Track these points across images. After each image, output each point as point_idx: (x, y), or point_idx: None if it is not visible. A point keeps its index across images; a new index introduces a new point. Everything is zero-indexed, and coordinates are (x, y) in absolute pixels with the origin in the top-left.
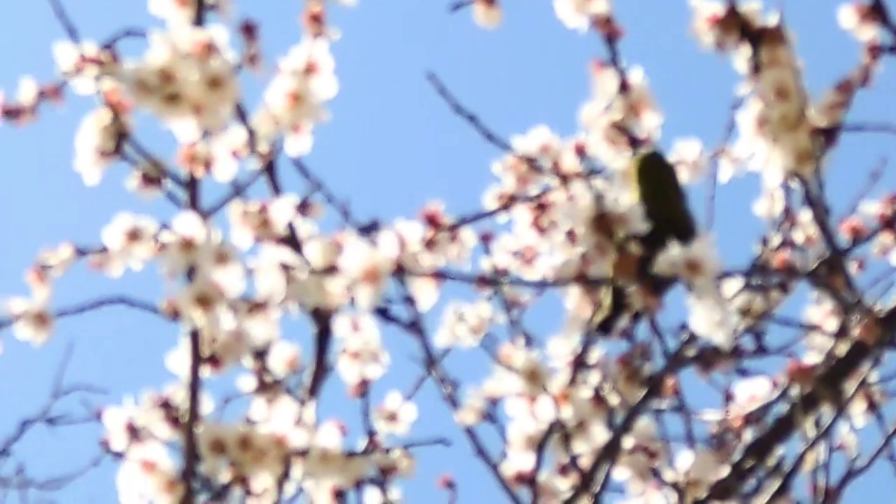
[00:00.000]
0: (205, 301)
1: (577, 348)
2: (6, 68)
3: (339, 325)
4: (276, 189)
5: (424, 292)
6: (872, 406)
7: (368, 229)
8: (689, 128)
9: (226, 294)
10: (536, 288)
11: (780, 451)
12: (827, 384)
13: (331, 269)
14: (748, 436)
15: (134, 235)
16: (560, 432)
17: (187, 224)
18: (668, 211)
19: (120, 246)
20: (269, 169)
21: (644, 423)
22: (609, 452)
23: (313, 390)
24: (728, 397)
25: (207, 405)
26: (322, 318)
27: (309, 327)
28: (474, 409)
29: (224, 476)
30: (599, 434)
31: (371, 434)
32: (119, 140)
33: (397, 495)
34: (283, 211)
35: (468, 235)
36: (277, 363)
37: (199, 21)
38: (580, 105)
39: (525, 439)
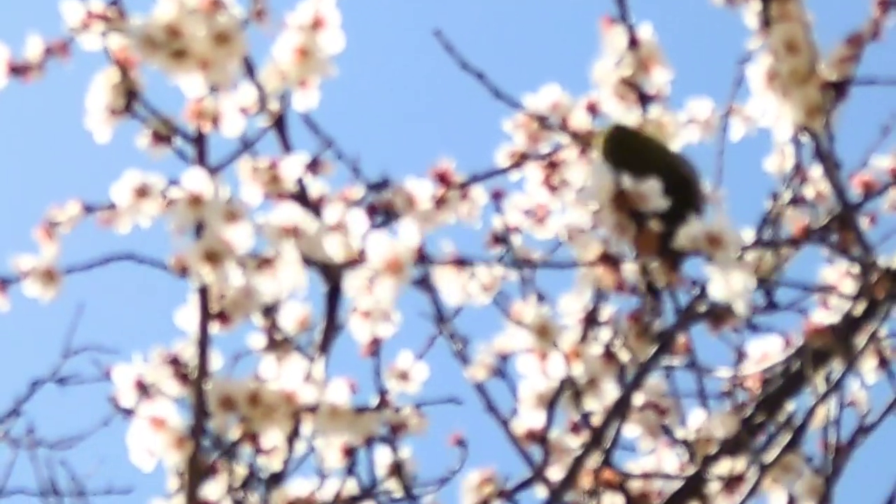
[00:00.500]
0: (213, 257)
1: (588, 305)
2: (13, 25)
3: (350, 285)
4: (286, 146)
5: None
6: (883, 362)
7: (379, 187)
8: (699, 83)
9: (234, 250)
10: (550, 252)
11: (790, 406)
12: (837, 339)
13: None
14: (759, 392)
15: (142, 192)
16: (571, 389)
17: (195, 180)
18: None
19: (128, 202)
20: (279, 126)
21: (655, 380)
22: (619, 409)
23: (324, 348)
24: (740, 355)
25: (217, 362)
26: (332, 276)
27: (319, 285)
28: (485, 366)
29: (233, 433)
30: (610, 391)
31: (383, 393)
32: (129, 98)
33: (408, 453)
34: (292, 167)
35: (479, 193)
36: (288, 321)
37: None
38: (591, 62)
39: (536, 397)
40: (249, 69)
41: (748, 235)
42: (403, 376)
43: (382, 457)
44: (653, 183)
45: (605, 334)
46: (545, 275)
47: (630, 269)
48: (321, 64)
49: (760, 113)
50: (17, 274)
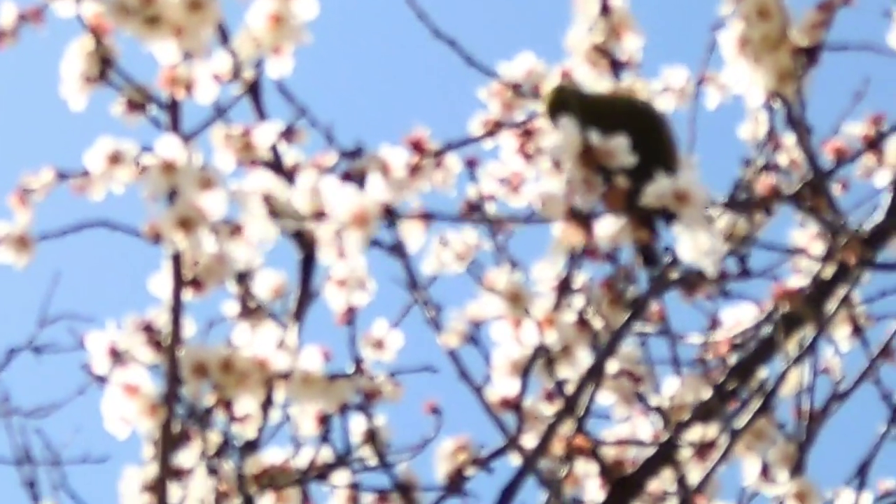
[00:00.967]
0: (186, 224)
1: (561, 272)
2: None
3: (325, 254)
4: (261, 114)
5: (412, 232)
6: (857, 330)
7: (353, 155)
8: (673, 51)
9: (208, 217)
10: (524, 221)
11: (763, 373)
12: (809, 304)
13: (319, 215)
14: (732, 359)
15: (115, 159)
16: (544, 357)
17: (169, 147)
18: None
19: (102, 169)
20: (253, 93)
21: (629, 347)
22: (593, 376)
23: (298, 315)
24: (714, 323)
25: (190, 329)
26: (306, 244)
27: (293, 252)
28: (458, 332)
29: (207, 400)
30: (584, 358)
31: (358, 361)
32: (104, 66)
33: (382, 421)
34: (266, 134)
35: (453, 161)
36: (263, 289)
37: None
38: (566, 29)
39: (509, 364)
40: (224, 36)
41: (720, 201)
42: (378, 345)
43: (357, 424)
44: (620, 139)
45: (578, 301)
46: (519, 242)
47: (603, 235)
48: (295, 31)
49: (733, 80)
50: None
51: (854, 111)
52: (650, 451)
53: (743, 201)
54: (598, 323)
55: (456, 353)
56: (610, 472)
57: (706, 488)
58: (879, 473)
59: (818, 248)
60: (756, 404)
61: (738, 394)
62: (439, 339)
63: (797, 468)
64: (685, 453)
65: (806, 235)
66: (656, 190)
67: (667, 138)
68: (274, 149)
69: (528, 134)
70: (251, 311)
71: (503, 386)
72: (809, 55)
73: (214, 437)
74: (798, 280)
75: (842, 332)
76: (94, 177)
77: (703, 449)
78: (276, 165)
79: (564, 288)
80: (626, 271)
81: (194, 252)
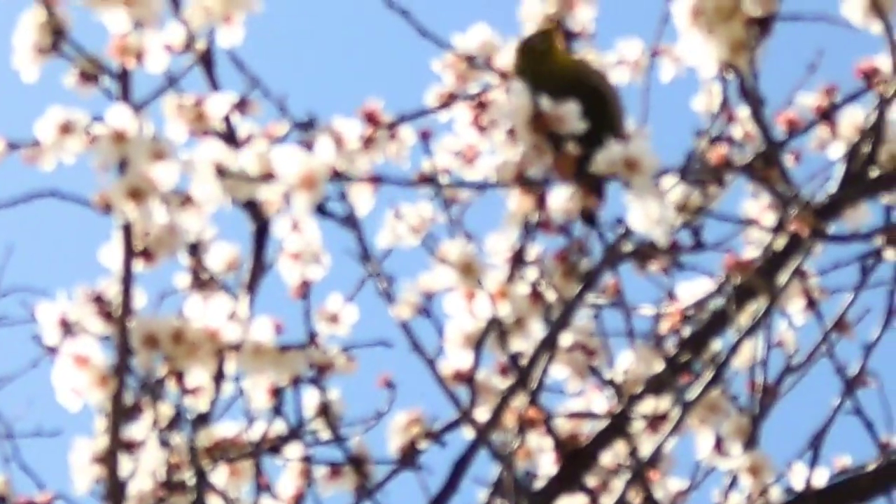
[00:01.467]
0: (137, 194)
1: (515, 245)
2: None
3: (279, 226)
4: (214, 84)
5: (361, 196)
6: (812, 303)
7: (306, 126)
8: (627, 23)
9: (158, 187)
10: (477, 189)
11: (717, 345)
12: (761, 276)
13: (267, 176)
14: (685, 331)
15: (66, 128)
16: (497, 329)
17: (119, 117)
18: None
19: (52, 139)
20: (206, 64)
21: (583, 320)
22: (546, 349)
23: (251, 287)
24: (669, 295)
25: (141, 300)
26: (259, 216)
27: (246, 224)
28: (410, 304)
29: (158, 371)
30: (537, 331)
31: (312, 335)
32: (56, 37)
33: (336, 394)
34: (218, 105)
35: (407, 134)
36: (215, 261)
37: None
38: (520, 1)
39: (462, 337)
40: (176, 5)
41: (674, 172)
42: (333, 319)
43: (310, 398)
44: (571, 105)
45: (531, 274)
46: (474, 215)
47: (556, 207)
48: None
49: (687, 51)
50: None
51: (808, 82)
52: (602, 424)
53: (696, 171)
54: (551, 295)
55: (409, 326)
56: (563, 446)
57: (659, 461)
58: (833, 447)
59: (770, 219)
60: (708, 377)
61: (691, 366)
62: (392, 311)
63: (750, 441)
64: (638, 426)
65: (758, 206)
66: (607, 157)
67: (613, 108)
68: (227, 120)
69: (482, 106)
70: (203, 282)
71: (456, 358)
72: (762, 26)
73: (166, 410)
74: (751, 252)
75: (796, 305)
76: (44, 147)
77: (655, 421)
78: (229, 136)
79: (518, 260)
80: (579, 244)
81: (145, 223)
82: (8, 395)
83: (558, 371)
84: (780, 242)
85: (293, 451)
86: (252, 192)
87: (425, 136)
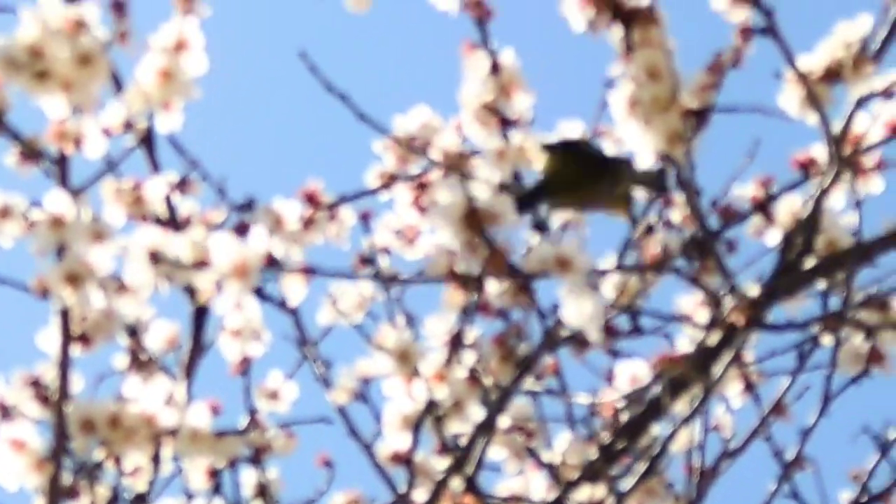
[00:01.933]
0: (74, 279)
1: (453, 328)
2: None
3: (220, 304)
4: (155, 166)
5: (294, 287)
6: (749, 387)
7: (245, 208)
8: (569, 104)
9: (96, 273)
10: (412, 279)
11: (654, 430)
12: (697, 366)
13: (201, 263)
14: (622, 417)
15: (4, 213)
16: (435, 412)
17: (57, 202)
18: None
19: None
20: (147, 145)
21: (521, 403)
22: (484, 432)
23: (189, 368)
24: (609, 378)
25: (79, 383)
26: (199, 297)
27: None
28: (347, 389)
29: (96, 454)
30: (475, 414)
31: (252, 412)
32: None
33: (274, 474)
34: (157, 189)
35: (347, 214)
36: (156, 341)
37: None
38: (461, 83)
39: (401, 419)
40: (118, 86)
41: (611, 260)
42: (273, 396)
43: (248, 477)
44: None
45: (469, 357)
46: (414, 296)
47: (494, 292)
48: (184, 86)
49: (625, 137)
50: None
51: (745, 172)
52: None
53: (631, 266)
54: (488, 379)
55: (345, 410)
56: None
57: None
58: None
59: (703, 315)
60: (643, 466)
61: (628, 452)
62: (329, 396)
63: None
64: None
65: (692, 302)
66: (538, 255)
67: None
68: (168, 201)
69: (422, 187)
70: (142, 363)
71: (394, 440)
72: (699, 117)
73: (104, 491)
74: (685, 343)
75: (733, 389)
76: None
77: None
78: (169, 218)
79: (456, 343)
80: (517, 328)
81: (82, 307)
82: None
83: (497, 452)
84: (714, 338)
85: None
86: (187, 278)
87: (365, 218)
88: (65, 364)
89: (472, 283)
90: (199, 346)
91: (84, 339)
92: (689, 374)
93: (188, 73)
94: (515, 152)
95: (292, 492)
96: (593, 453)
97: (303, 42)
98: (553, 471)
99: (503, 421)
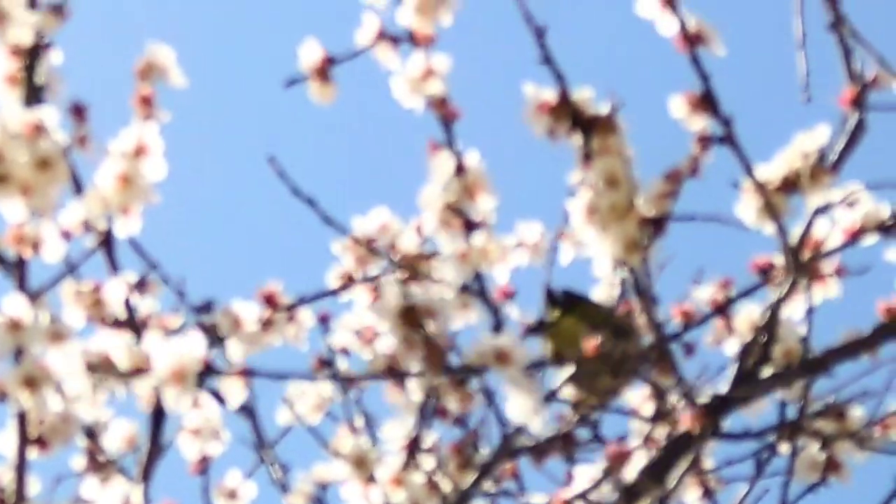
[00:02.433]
0: (32, 383)
1: (411, 432)
2: None
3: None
4: (114, 267)
5: (233, 391)
6: (708, 493)
7: (203, 309)
8: (527, 209)
9: (53, 376)
10: (362, 379)
11: None
12: (651, 475)
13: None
14: None
15: None
16: None
17: (15, 305)
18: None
19: None
20: (107, 247)
21: None
22: None
23: (147, 469)
24: (568, 479)
25: (35, 487)
26: (156, 398)
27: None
28: (304, 494)
29: None
30: None
31: None
32: None
33: None
34: (116, 291)
35: (306, 315)
36: (114, 441)
37: (29, 102)
38: (422, 184)
39: None
40: (78, 187)
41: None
42: (231, 495)
43: None
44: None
45: (427, 461)
46: (373, 397)
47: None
48: (143, 191)
49: (584, 243)
50: None
51: (702, 281)
52: None
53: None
54: (446, 484)
55: None
56: None
57: None
58: None
59: (649, 408)
60: None
61: None
62: (286, 501)
63: None
64: None
65: (640, 396)
66: (476, 348)
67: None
68: (126, 302)
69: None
70: (100, 465)
71: None
72: (656, 225)
73: None
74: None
75: (691, 496)
76: None
77: None
78: (127, 319)
79: (414, 447)
80: (475, 434)
81: (40, 411)
82: None
83: None
84: (660, 432)
85: None
86: (126, 384)
87: (324, 319)
88: (21, 467)
89: (413, 379)
90: (157, 447)
91: (41, 442)
92: (644, 483)
93: (147, 178)
94: (478, 254)
95: None
96: None
97: (261, 136)
98: None
99: None
